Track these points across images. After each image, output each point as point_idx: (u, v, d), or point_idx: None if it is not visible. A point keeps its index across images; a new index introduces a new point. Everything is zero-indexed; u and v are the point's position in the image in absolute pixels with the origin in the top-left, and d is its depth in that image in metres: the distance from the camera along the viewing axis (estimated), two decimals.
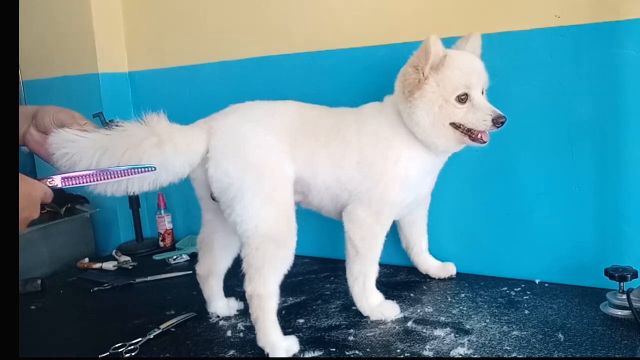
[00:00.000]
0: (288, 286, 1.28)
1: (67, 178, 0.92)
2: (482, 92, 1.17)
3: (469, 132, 1.15)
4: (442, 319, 1.19)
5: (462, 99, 1.13)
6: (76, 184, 0.93)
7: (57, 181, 0.90)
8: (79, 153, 0.96)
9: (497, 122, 1.12)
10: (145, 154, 1.01)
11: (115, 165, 0.97)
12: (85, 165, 0.96)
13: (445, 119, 1.14)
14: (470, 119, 1.13)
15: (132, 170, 0.98)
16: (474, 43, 1.21)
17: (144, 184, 1.03)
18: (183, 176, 1.09)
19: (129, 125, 1.03)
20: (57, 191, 0.93)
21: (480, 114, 1.12)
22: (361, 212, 1.20)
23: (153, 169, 1.00)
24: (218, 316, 1.28)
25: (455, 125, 1.15)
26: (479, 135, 1.15)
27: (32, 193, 0.85)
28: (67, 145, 0.95)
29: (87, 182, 0.94)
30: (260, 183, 1.09)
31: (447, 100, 1.13)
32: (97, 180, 0.95)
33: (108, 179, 0.96)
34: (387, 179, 1.18)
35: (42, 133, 1.00)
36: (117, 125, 1.02)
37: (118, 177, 0.96)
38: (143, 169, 0.99)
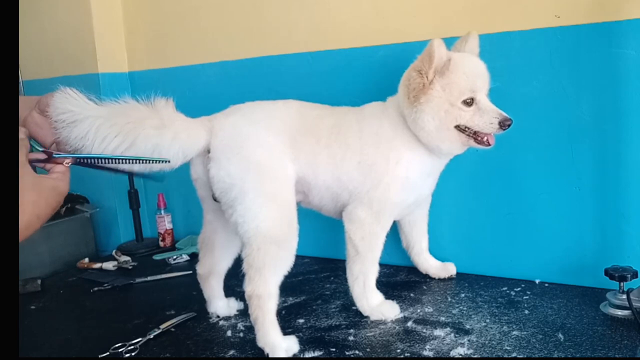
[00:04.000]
0: (288, 286, 1.28)
1: (81, 159, 0.92)
2: (486, 94, 1.17)
3: (475, 135, 1.15)
4: (442, 319, 1.19)
5: (468, 102, 1.13)
6: (89, 164, 0.93)
7: (71, 161, 0.90)
8: (81, 113, 0.94)
9: (504, 124, 1.12)
10: (144, 131, 1.01)
11: (115, 134, 0.98)
12: (85, 129, 0.95)
13: (451, 123, 1.14)
14: (477, 121, 1.13)
15: (147, 161, 0.99)
16: (472, 43, 1.21)
17: (134, 166, 1.01)
18: (175, 165, 1.07)
19: (135, 103, 1.03)
20: None
21: (487, 116, 1.12)
22: (361, 212, 1.20)
23: (167, 161, 1.02)
24: (218, 316, 1.28)
25: (461, 128, 1.14)
26: (485, 138, 1.15)
27: (61, 191, 0.85)
28: (72, 102, 0.94)
29: (100, 163, 0.94)
30: (262, 183, 1.10)
31: (453, 104, 1.12)
32: (111, 163, 0.95)
33: (120, 163, 0.96)
34: (388, 179, 1.18)
35: (44, 116, 1.00)
36: (123, 100, 1.02)
37: (131, 163, 0.97)
38: (158, 161, 1.00)
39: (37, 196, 0.82)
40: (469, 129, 1.14)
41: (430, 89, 1.12)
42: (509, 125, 1.12)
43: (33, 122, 1.00)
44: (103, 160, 0.95)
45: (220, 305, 1.29)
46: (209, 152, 1.12)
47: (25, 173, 0.82)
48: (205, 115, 1.18)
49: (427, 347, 1.07)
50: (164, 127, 1.03)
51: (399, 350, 1.07)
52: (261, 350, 1.07)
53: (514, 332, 1.11)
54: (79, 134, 0.95)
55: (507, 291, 1.32)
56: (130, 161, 0.97)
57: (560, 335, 1.08)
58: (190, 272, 1.55)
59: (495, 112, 1.13)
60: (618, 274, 1.15)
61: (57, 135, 0.96)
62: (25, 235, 0.77)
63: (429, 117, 1.13)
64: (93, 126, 0.95)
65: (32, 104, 1.00)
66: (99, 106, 0.98)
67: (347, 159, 1.19)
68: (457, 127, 1.14)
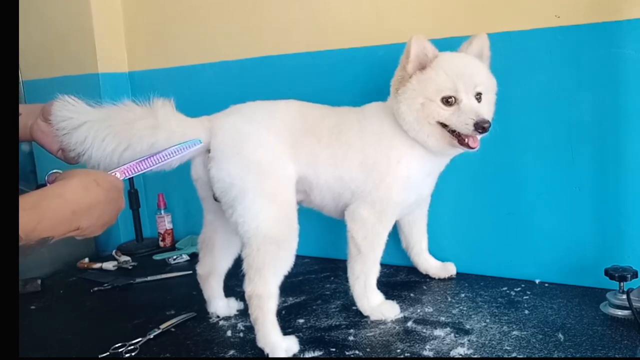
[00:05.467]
0: (288, 286, 1.28)
1: (126, 170, 0.95)
2: (479, 97, 1.16)
3: (458, 136, 1.14)
4: (442, 319, 1.19)
5: (449, 101, 1.13)
6: (135, 172, 0.95)
7: (118, 174, 0.94)
8: (79, 118, 0.97)
9: (479, 126, 1.10)
10: (139, 132, 1.02)
11: (112, 135, 0.99)
12: (84, 134, 0.97)
13: (429, 117, 1.14)
14: (454, 121, 1.13)
15: (182, 148, 1.01)
16: (479, 44, 1.20)
17: (173, 160, 1.03)
18: (172, 165, 1.07)
19: (132, 104, 1.05)
20: None
21: (463, 116, 1.11)
22: (364, 212, 1.20)
23: (199, 142, 1.04)
24: (218, 316, 1.28)
25: (443, 125, 1.15)
26: (466, 140, 1.14)
27: (117, 184, 0.87)
28: (70, 108, 0.97)
29: (144, 168, 0.97)
30: (262, 183, 1.09)
31: (431, 100, 1.13)
32: (153, 164, 0.99)
33: (162, 161, 0.99)
34: (389, 179, 1.19)
35: (48, 123, 1.01)
36: (121, 103, 1.04)
37: (170, 157, 0.99)
38: (191, 145, 1.03)
39: (85, 174, 0.83)
40: (447, 126, 1.14)
41: (407, 81, 1.15)
42: (484, 128, 1.10)
43: (39, 130, 1.02)
44: (144, 165, 0.97)
45: (220, 305, 1.29)
46: (209, 152, 1.12)
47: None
48: (206, 115, 1.18)
49: (427, 347, 1.07)
50: (159, 127, 1.04)
51: (399, 350, 1.07)
52: (261, 350, 1.07)
53: (514, 332, 1.11)
54: (78, 139, 0.97)
55: (507, 291, 1.32)
56: (168, 155, 1.00)
57: (560, 335, 1.08)
58: (190, 272, 1.55)
59: (473, 113, 1.11)
60: (618, 274, 1.15)
61: (61, 141, 0.97)
62: (78, 199, 0.77)
63: (404, 107, 1.15)
64: (91, 130, 0.98)
65: (37, 111, 1.02)
66: (97, 110, 1.00)
67: (349, 158, 1.20)
68: (440, 123, 1.14)
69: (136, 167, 0.96)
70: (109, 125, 0.99)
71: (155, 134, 1.03)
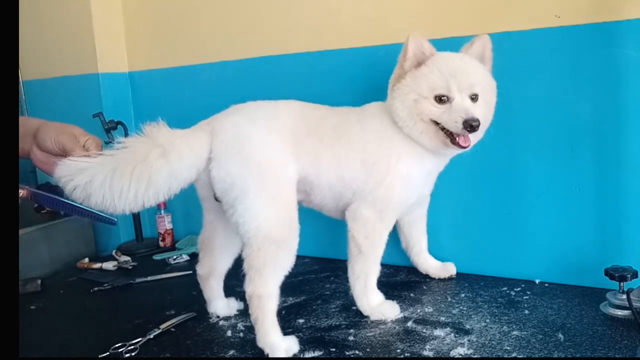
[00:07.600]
0: (288, 286, 1.28)
1: (35, 195, 0.93)
2: (475, 97, 1.15)
3: (451, 135, 1.15)
4: (442, 319, 1.20)
5: (442, 99, 1.13)
6: (42, 203, 0.94)
7: (24, 193, 0.90)
8: (90, 182, 0.95)
9: (467, 124, 1.10)
10: (153, 166, 1.00)
11: (128, 183, 0.97)
12: (100, 194, 0.95)
13: (422, 114, 1.15)
14: (445, 119, 1.13)
15: (95, 215, 0.99)
16: (480, 45, 1.20)
17: (159, 196, 1.03)
18: (192, 180, 1.09)
19: (130, 141, 1.02)
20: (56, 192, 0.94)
21: (454, 115, 1.12)
22: (365, 211, 1.21)
23: (114, 222, 1.03)
24: (218, 316, 1.28)
25: (437, 123, 1.15)
26: (457, 139, 1.14)
27: None
28: (76, 177, 0.94)
29: (51, 207, 0.96)
30: (263, 183, 1.09)
31: (425, 97, 1.14)
32: (60, 209, 0.97)
33: (69, 212, 0.99)
34: (390, 178, 1.19)
35: (45, 152, 1.00)
36: (118, 142, 1.01)
37: (79, 215, 0.97)
38: (105, 219, 1.00)
39: None
40: (439, 124, 1.15)
41: (402, 78, 1.17)
42: (472, 127, 1.10)
43: (37, 160, 1.02)
44: (52, 203, 0.95)
45: (220, 306, 1.29)
46: (210, 152, 1.12)
47: None
48: (205, 116, 1.18)
49: (427, 347, 1.07)
50: (168, 153, 1.03)
51: (399, 350, 1.07)
52: (261, 350, 1.07)
53: (514, 332, 1.11)
54: (97, 200, 0.96)
55: (507, 291, 1.32)
56: (79, 212, 0.97)
57: (560, 335, 1.08)
58: (190, 272, 1.55)
59: (463, 111, 1.11)
60: (618, 274, 1.15)
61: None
62: None
63: (398, 103, 1.17)
64: (104, 188, 0.96)
65: (30, 132, 1.01)
66: (100, 162, 0.97)
67: (350, 158, 1.20)
68: (434, 121, 1.15)
69: (48, 202, 0.95)
70: (121, 175, 0.97)
71: (168, 160, 1.02)
